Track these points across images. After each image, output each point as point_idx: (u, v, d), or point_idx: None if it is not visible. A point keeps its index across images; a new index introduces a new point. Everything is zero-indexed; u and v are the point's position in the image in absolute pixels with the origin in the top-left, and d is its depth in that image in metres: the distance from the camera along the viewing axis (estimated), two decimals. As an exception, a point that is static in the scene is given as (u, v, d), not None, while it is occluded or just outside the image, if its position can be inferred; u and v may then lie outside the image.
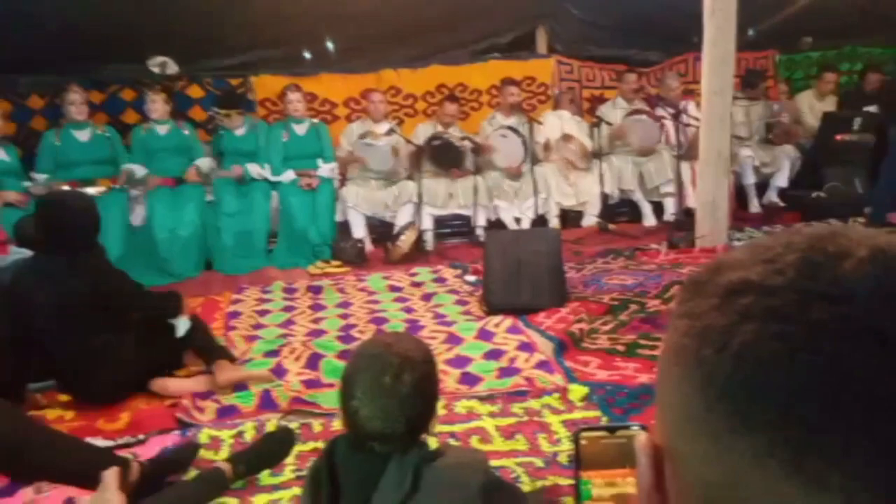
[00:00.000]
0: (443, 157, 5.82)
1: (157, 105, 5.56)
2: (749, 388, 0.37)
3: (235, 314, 4.16)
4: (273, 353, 3.38)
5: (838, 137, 6.16)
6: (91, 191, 5.21)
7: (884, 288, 0.37)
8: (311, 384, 3.01)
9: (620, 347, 3.27)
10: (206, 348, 3.20)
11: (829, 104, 6.76)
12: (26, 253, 3.53)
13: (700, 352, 0.40)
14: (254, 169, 5.62)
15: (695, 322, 0.41)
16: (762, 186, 6.47)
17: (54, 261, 2.90)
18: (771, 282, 0.39)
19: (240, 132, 5.75)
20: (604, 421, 2.58)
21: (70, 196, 3.35)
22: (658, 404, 0.45)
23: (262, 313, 4.17)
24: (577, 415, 2.65)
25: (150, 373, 3.05)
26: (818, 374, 0.36)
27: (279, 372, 3.15)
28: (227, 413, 2.79)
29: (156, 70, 5.93)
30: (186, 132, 5.71)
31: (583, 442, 0.67)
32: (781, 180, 6.40)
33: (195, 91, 6.20)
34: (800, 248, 0.40)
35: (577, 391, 2.80)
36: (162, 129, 5.60)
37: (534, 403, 2.74)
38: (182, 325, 3.14)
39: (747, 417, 0.37)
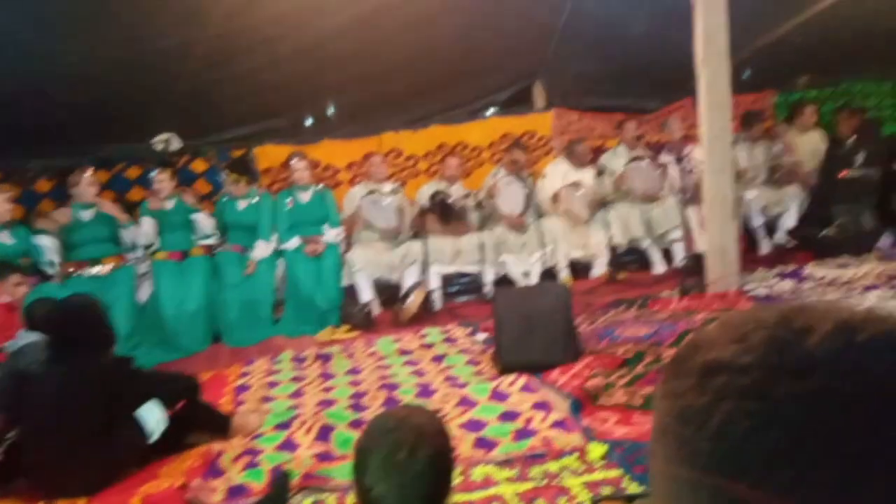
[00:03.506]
0: (444, 214, 5.83)
1: (164, 184, 5.62)
2: (728, 466, 0.40)
3: (244, 388, 4.10)
4: (284, 426, 3.31)
5: (842, 175, 6.14)
6: (96, 270, 5.24)
7: (845, 359, 0.40)
8: (322, 458, 2.93)
9: (638, 401, 3.18)
10: (210, 424, 3.29)
11: (813, 139, 6.74)
12: (35, 337, 3.53)
13: (682, 432, 0.43)
14: (259, 251, 5.63)
15: (675, 402, 0.44)
16: (771, 227, 6.42)
17: (61, 363, 2.99)
18: (741, 361, 0.42)
19: (242, 205, 5.79)
20: (626, 481, 2.50)
21: (77, 304, 3.32)
22: (650, 478, 0.47)
23: (272, 385, 4.11)
24: (597, 475, 2.56)
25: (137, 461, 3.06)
26: (788, 446, 0.38)
27: (290, 446, 3.08)
28: (237, 493, 2.71)
29: (160, 147, 6.01)
30: (191, 205, 5.75)
31: None
32: (789, 220, 6.35)
33: (199, 165, 6.27)
34: (768, 326, 0.43)
35: (596, 450, 2.73)
36: (168, 204, 5.64)
37: (552, 466, 2.66)
38: (154, 421, 3.06)
39: (728, 493, 0.40)
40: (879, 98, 7.39)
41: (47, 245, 5.17)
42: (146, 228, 5.52)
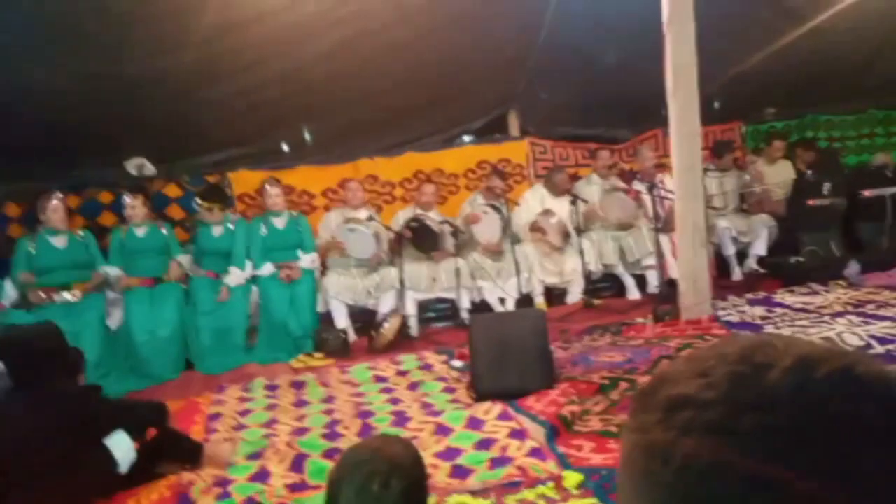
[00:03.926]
0: (422, 240, 5.84)
1: (137, 210, 5.56)
2: (690, 500, 0.41)
3: (216, 416, 4.03)
4: (256, 456, 3.26)
5: (810, 202, 6.27)
6: (67, 296, 5.14)
7: (804, 395, 0.41)
8: (295, 488, 2.89)
9: (613, 429, 3.19)
10: (181, 453, 3.21)
11: (781, 170, 6.88)
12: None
13: (647, 465, 0.44)
14: (233, 278, 5.56)
15: (642, 436, 0.45)
16: (742, 255, 6.52)
17: (22, 392, 2.93)
18: (705, 396, 0.43)
19: (217, 231, 5.74)
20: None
21: (31, 333, 3.24)
22: None
23: (244, 413, 4.05)
24: (573, 504, 2.55)
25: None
26: (748, 481, 0.39)
27: (262, 476, 3.04)
28: (208, 524, 2.66)
29: (133, 172, 5.96)
30: (164, 231, 5.69)
31: None
32: (760, 248, 6.45)
33: (172, 190, 6.22)
34: (731, 361, 0.44)
35: (572, 478, 2.72)
36: (140, 231, 5.58)
37: (528, 494, 2.65)
38: (123, 451, 3.00)
39: None
40: (843, 129, 7.57)
41: (7, 292, 5.09)
42: (110, 271, 5.41)
